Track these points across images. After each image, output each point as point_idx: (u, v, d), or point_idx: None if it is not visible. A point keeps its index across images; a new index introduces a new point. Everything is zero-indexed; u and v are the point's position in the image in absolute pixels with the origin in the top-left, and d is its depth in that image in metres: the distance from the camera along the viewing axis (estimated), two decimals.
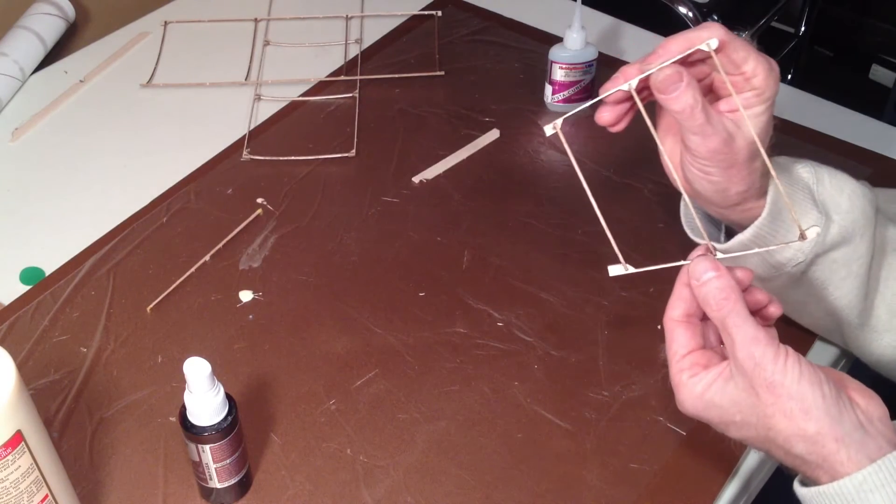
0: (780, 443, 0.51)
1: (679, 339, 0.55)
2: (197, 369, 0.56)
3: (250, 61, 1.04)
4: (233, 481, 0.62)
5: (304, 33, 1.09)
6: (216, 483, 0.62)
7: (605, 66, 1.00)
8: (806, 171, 0.66)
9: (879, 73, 1.74)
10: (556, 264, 0.80)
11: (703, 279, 0.53)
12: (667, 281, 0.78)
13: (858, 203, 0.65)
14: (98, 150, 0.94)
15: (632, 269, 0.58)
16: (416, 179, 0.89)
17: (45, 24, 1.04)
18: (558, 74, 0.94)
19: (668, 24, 1.29)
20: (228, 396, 0.60)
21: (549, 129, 0.58)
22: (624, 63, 1.03)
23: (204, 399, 0.57)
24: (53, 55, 1.06)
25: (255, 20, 1.11)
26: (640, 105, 0.57)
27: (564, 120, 0.58)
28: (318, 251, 0.82)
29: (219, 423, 0.59)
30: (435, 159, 0.91)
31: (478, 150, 0.92)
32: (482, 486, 0.65)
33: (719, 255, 0.57)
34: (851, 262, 0.66)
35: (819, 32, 1.65)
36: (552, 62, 0.93)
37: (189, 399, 0.58)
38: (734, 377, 0.52)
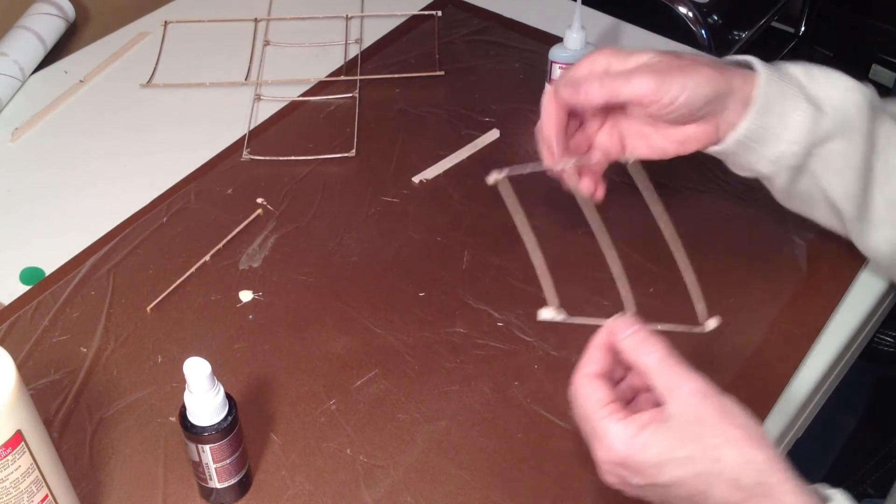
0: (728, 474, 0.50)
1: (601, 389, 0.54)
2: (197, 369, 0.56)
3: (250, 61, 1.04)
4: (233, 481, 0.62)
5: (304, 33, 1.09)
6: (216, 483, 0.62)
7: None
8: (799, 70, 0.68)
9: (879, 73, 1.74)
10: (555, 264, 0.80)
11: (627, 333, 0.54)
12: (666, 282, 0.78)
13: (852, 97, 0.67)
14: (98, 150, 0.93)
15: (561, 317, 0.60)
16: (416, 179, 0.89)
17: (45, 24, 1.04)
18: (558, 74, 0.94)
19: (668, 24, 1.29)
20: (228, 396, 0.59)
21: (491, 179, 0.61)
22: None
23: (204, 399, 0.57)
24: (53, 55, 1.06)
25: (255, 20, 1.10)
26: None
27: (511, 170, 0.61)
28: (318, 251, 0.82)
29: (219, 423, 0.58)
30: (435, 159, 0.91)
31: (478, 150, 0.92)
32: (482, 486, 0.65)
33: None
34: (848, 154, 0.67)
35: (819, 32, 1.65)
36: (552, 62, 0.93)
37: (189, 399, 0.58)
38: (673, 417, 0.51)
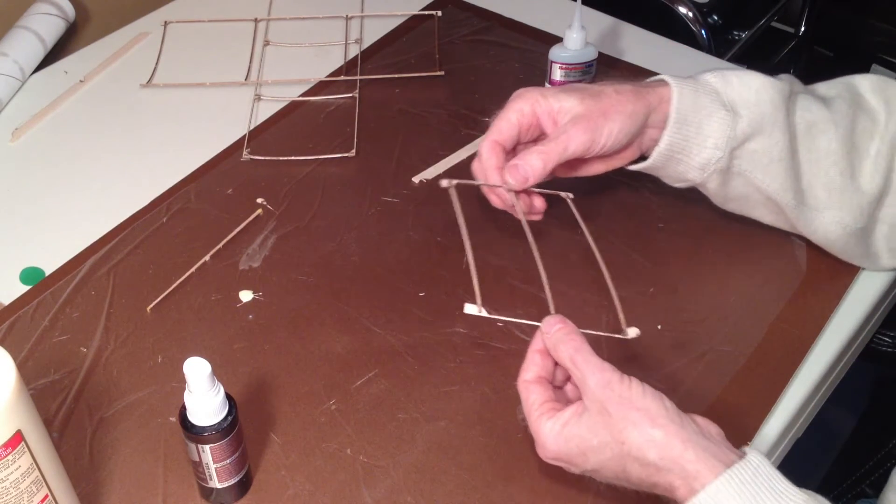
0: (634, 454, 0.54)
1: (535, 392, 0.59)
2: (197, 369, 0.56)
3: (250, 61, 1.04)
4: (233, 481, 0.62)
5: (304, 33, 1.09)
6: (216, 483, 0.62)
7: (605, 65, 1.00)
8: (714, 77, 0.72)
9: (879, 74, 1.74)
10: (556, 264, 0.80)
11: (552, 330, 0.59)
12: (664, 282, 0.78)
13: (766, 95, 0.71)
14: (98, 150, 0.94)
15: (484, 313, 0.64)
16: (416, 179, 0.89)
17: (45, 24, 1.04)
18: (558, 74, 0.94)
19: (668, 24, 1.29)
20: (228, 396, 0.60)
21: (444, 183, 0.71)
22: (624, 63, 1.03)
23: (204, 399, 0.57)
24: (53, 55, 1.06)
25: (255, 20, 1.11)
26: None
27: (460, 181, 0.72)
28: (318, 251, 0.82)
29: (219, 423, 0.59)
30: (435, 159, 0.91)
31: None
32: (482, 486, 0.65)
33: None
34: (770, 149, 0.72)
35: (819, 32, 1.65)
36: (552, 62, 0.93)
37: (189, 399, 0.58)
38: (587, 409, 0.56)
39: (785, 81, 0.73)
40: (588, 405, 0.56)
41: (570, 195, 0.76)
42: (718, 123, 0.71)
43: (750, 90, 0.71)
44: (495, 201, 0.73)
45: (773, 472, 0.53)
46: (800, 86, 0.75)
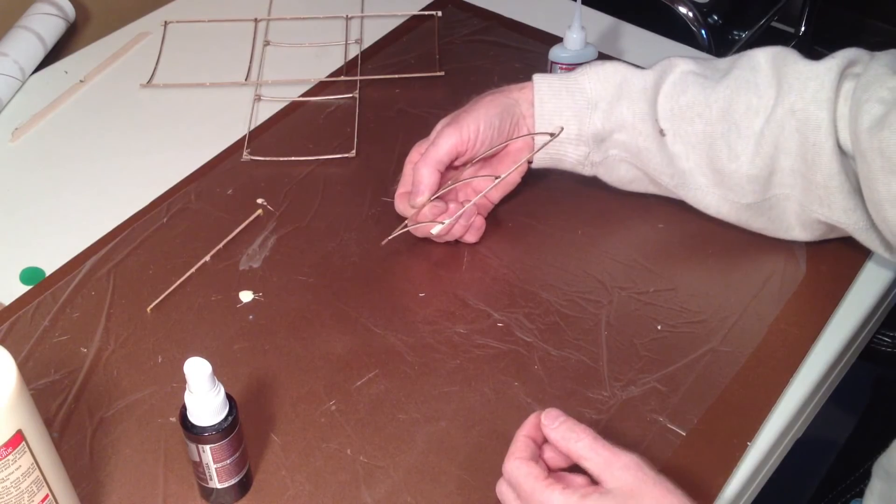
0: None
1: (536, 468, 0.57)
2: (197, 369, 0.56)
3: (250, 61, 1.04)
4: (233, 481, 0.62)
5: (304, 33, 1.09)
6: (216, 483, 0.62)
7: None
8: (583, 73, 0.77)
9: None
10: (556, 264, 0.80)
11: (555, 425, 0.58)
12: (664, 282, 0.78)
13: (627, 88, 0.76)
14: (98, 150, 0.94)
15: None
16: (383, 242, 0.88)
17: (45, 24, 1.04)
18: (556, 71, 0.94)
19: (668, 24, 1.29)
20: (228, 396, 0.60)
21: (384, 242, 0.79)
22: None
23: (204, 399, 0.57)
24: (53, 55, 1.06)
25: (255, 20, 1.11)
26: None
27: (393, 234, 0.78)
28: (318, 251, 0.82)
29: (219, 424, 0.59)
30: None
31: None
32: (482, 486, 0.65)
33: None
34: (635, 138, 0.76)
35: (819, 32, 1.65)
36: (552, 62, 0.93)
37: (189, 399, 0.58)
38: (611, 491, 0.55)
39: (655, 71, 0.76)
40: (613, 487, 0.55)
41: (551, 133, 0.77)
42: (577, 123, 0.76)
43: (612, 85, 0.76)
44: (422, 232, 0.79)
45: None
46: (690, 64, 0.76)
